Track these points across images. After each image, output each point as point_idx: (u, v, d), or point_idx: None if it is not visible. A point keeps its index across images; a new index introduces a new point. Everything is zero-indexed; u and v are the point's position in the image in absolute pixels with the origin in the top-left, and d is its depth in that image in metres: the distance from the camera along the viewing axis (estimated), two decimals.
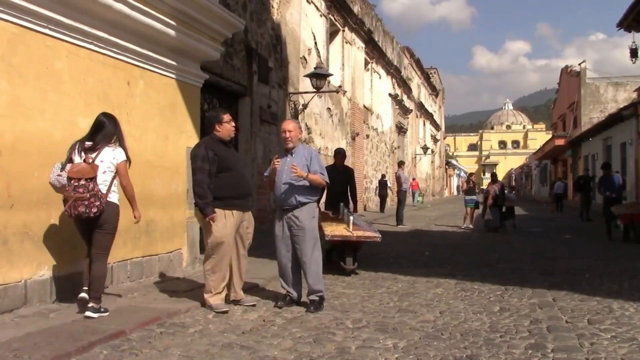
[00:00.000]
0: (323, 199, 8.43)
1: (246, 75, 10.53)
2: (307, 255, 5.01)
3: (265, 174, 5.34)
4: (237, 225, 4.95)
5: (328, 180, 5.22)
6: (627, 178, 18.16)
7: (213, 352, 3.73)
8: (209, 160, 4.81)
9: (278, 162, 5.04)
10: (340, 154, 8.52)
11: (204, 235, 5.02)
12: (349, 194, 8.41)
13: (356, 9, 18.83)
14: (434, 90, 42.20)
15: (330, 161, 17.01)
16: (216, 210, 4.79)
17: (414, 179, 29.95)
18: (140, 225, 5.97)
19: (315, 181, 5.04)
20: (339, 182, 7.88)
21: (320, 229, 6.62)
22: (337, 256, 7.13)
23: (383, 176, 22.51)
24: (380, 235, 7.14)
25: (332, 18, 16.87)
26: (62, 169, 4.43)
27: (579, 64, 32.29)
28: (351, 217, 7.17)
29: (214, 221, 4.77)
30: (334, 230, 6.95)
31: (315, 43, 15.32)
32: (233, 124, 5.12)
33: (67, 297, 4.97)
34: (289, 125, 5.16)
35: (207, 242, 4.91)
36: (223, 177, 4.87)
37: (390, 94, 25.64)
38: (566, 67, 35.55)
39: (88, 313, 4.30)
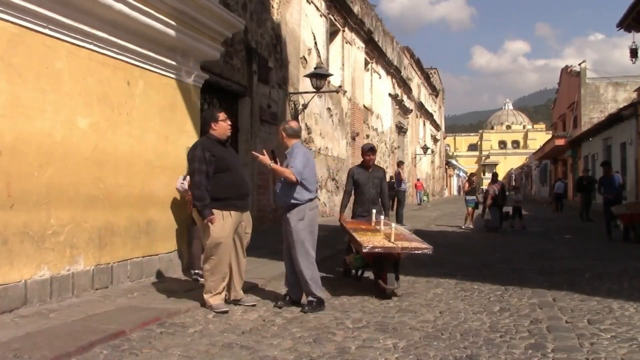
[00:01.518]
0: (350, 207, 7.15)
1: (246, 75, 10.53)
2: (297, 258, 5.00)
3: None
4: (235, 226, 4.95)
5: (296, 177, 4.91)
6: (627, 178, 18.17)
7: (213, 352, 3.73)
8: (206, 161, 4.80)
9: (269, 159, 5.02)
10: (371, 150, 6.89)
11: (203, 237, 5.02)
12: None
13: (356, 9, 18.83)
14: (434, 90, 42.20)
15: (331, 162, 17.22)
16: (214, 211, 4.79)
17: (418, 180, 30.28)
18: (140, 225, 5.99)
19: (279, 173, 4.95)
20: (369, 186, 6.75)
21: (354, 241, 5.93)
22: (375, 273, 5.92)
23: (392, 178, 22.55)
24: (430, 246, 5.74)
25: (332, 18, 16.87)
26: (184, 179, 6.08)
27: (579, 64, 32.27)
28: (393, 225, 6.05)
29: (212, 223, 4.77)
30: (371, 240, 5.58)
31: (315, 43, 15.32)
32: (229, 122, 5.12)
33: (68, 295, 4.98)
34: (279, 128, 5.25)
35: (205, 243, 4.91)
36: (221, 177, 4.87)
37: (390, 94, 25.64)
38: (566, 67, 35.54)
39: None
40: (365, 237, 5.76)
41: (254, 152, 5.09)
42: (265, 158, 4.95)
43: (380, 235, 5.86)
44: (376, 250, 5.43)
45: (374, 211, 6.49)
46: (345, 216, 6.94)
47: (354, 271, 6.68)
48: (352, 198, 7.05)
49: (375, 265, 5.86)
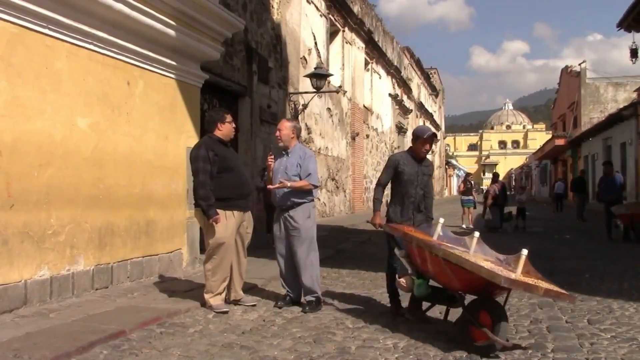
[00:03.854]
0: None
1: (246, 75, 10.53)
2: (302, 256, 5.00)
3: (265, 172, 5.36)
4: (238, 226, 4.95)
5: (317, 183, 5.11)
6: (627, 178, 18.18)
7: (213, 352, 3.73)
8: (210, 161, 4.81)
9: (272, 159, 5.10)
10: (431, 138, 4.86)
11: (205, 236, 5.01)
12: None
13: (356, 9, 18.83)
14: (434, 90, 42.19)
15: (331, 162, 17.22)
16: (218, 211, 4.79)
17: None
18: (140, 225, 6.00)
19: (301, 188, 5.00)
20: (417, 184, 4.83)
21: (435, 264, 4.02)
22: (466, 313, 3.93)
23: None
24: (574, 296, 4.21)
25: (332, 18, 16.87)
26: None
27: (579, 64, 32.29)
28: (524, 252, 3.77)
29: (217, 223, 4.77)
30: (493, 267, 3.72)
31: (315, 43, 15.32)
32: (234, 125, 5.16)
33: (68, 295, 4.98)
34: (281, 124, 5.19)
35: (207, 243, 4.91)
36: (224, 177, 4.87)
37: (390, 94, 25.65)
38: (566, 67, 35.56)
39: None
40: (475, 260, 3.84)
41: (270, 187, 5.02)
42: (284, 184, 4.92)
43: (485, 260, 3.96)
44: (514, 285, 3.61)
45: (442, 220, 4.51)
46: (381, 216, 4.92)
47: (405, 300, 4.75)
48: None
49: (477, 306, 3.88)
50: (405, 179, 4.80)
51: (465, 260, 3.77)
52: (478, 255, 4.01)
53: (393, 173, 4.85)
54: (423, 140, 4.82)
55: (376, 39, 21.95)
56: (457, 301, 4.07)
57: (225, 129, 5.03)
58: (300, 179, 5.00)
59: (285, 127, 5.11)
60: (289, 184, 4.92)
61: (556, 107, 42.05)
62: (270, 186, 5.01)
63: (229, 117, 5.10)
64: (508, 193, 15.35)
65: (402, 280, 4.40)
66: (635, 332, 4.22)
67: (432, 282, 4.28)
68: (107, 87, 5.51)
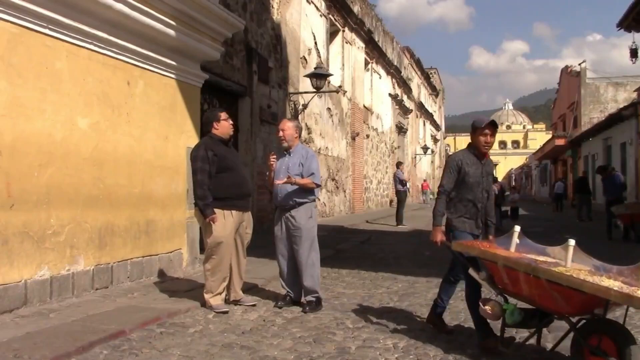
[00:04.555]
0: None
1: (246, 75, 10.53)
2: (304, 256, 5.01)
3: (267, 172, 5.36)
4: (236, 226, 4.96)
5: (320, 182, 5.15)
6: (627, 178, 18.20)
7: (213, 352, 3.73)
8: (209, 160, 4.82)
9: (274, 159, 5.11)
10: (492, 126, 4.21)
11: (204, 236, 5.03)
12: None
13: (356, 9, 18.83)
14: (434, 90, 42.20)
15: (331, 162, 17.23)
16: (216, 210, 4.80)
17: (425, 181, 32.56)
18: (140, 225, 6.00)
19: (305, 186, 5.02)
20: (482, 187, 4.26)
21: (535, 286, 3.46)
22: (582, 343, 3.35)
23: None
24: None
25: (332, 18, 16.87)
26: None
27: (579, 64, 32.30)
28: None
29: (214, 222, 4.78)
30: (623, 287, 3.16)
31: (315, 43, 15.32)
32: (231, 121, 5.16)
33: (68, 295, 4.98)
34: (284, 124, 5.20)
35: (206, 243, 4.92)
36: (223, 177, 4.88)
37: (390, 94, 25.64)
38: (566, 67, 35.58)
39: None
40: (592, 277, 3.34)
41: (278, 181, 5.01)
42: (290, 180, 4.93)
43: (602, 277, 3.41)
44: None
45: (518, 229, 3.87)
46: (443, 232, 4.39)
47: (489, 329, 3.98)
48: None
49: (593, 330, 3.37)
50: (472, 181, 4.14)
51: (583, 282, 3.16)
52: (575, 265, 3.59)
53: (457, 176, 4.18)
54: (482, 130, 4.11)
55: (376, 39, 21.95)
56: (549, 323, 3.66)
57: (221, 127, 5.04)
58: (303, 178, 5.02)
59: (288, 127, 5.13)
60: (294, 180, 4.94)
61: (556, 107, 42.07)
62: (277, 181, 5.00)
63: (223, 115, 5.09)
64: (507, 194, 15.43)
65: (487, 308, 3.74)
66: (636, 332, 4.21)
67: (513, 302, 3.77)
68: (107, 87, 5.51)
